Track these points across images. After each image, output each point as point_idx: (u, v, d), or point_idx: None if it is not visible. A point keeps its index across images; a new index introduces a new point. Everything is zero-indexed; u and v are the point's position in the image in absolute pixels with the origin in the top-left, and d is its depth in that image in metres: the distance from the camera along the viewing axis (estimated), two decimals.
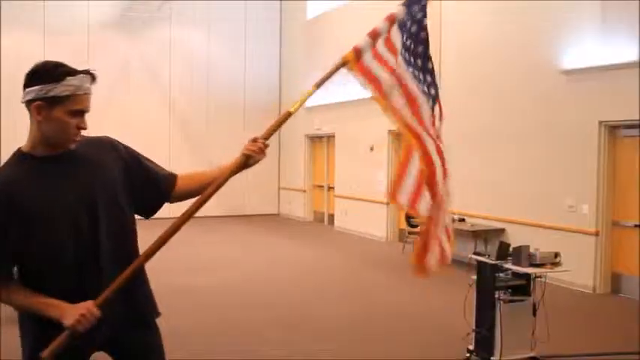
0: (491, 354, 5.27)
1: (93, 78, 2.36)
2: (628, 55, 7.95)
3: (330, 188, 15.84)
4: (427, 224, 2.73)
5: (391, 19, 2.93)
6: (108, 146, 2.56)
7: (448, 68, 11.21)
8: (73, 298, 2.33)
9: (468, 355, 5.51)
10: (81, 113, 2.35)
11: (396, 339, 6.42)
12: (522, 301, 5.32)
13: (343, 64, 2.84)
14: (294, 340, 6.36)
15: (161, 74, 16.78)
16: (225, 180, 2.58)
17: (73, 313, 2.30)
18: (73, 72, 2.31)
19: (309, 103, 15.61)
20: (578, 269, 7.75)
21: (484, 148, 10.39)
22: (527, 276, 5.32)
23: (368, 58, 2.84)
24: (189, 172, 2.76)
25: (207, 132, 17.22)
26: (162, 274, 9.12)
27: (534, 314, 5.34)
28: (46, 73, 2.29)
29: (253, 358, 5.76)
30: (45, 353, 2.31)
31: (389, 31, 2.91)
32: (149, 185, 2.62)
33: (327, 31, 15.60)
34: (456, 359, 5.57)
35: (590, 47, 8.47)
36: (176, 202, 2.72)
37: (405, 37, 2.90)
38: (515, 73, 9.74)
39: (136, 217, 2.61)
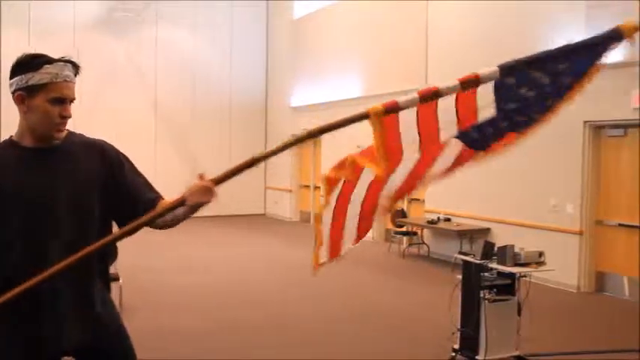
0: (477, 353, 5.29)
1: (74, 66, 2.38)
2: (612, 55, 7.98)
3: (317, 188, 15.83)
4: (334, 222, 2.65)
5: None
6: (98, 148, 2.54)
7: (434, 69, 11.26)
8: (19, 284, 2.25)
9: (453, 354, 5.53)
10: (62, 101, 2.35)
11: (382, 338, 6.44)
12: (507, 300, 5.35)
13: (364, 116, 2.36)
14: (281, 340, 6.35)
15: (147, 74, 16.69)
16: (160, 215, 2.36)
17: None
18: (51, 60, 2.34)
19: (295, 102, 15.65)
20: (562, 268, 7.79)
21: None
22: (512, 275, 5.35)
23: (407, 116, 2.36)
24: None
25: (193, 132, 17.15)
26: (148, 274, 9.12)
27: (519, 313, 5.37)
28: (25, 64, 2.33)
29: (241, 359, 5.76)
30: None
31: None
32: (127, 199, 2.53)
33: (314, 32, 15.60)
34: (441, 358, 5.59)
35: None
36: (155, 228, 2.53)
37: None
38: None
39: None
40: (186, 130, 17.16)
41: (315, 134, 2.40)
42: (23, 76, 2.31)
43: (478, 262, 5.34)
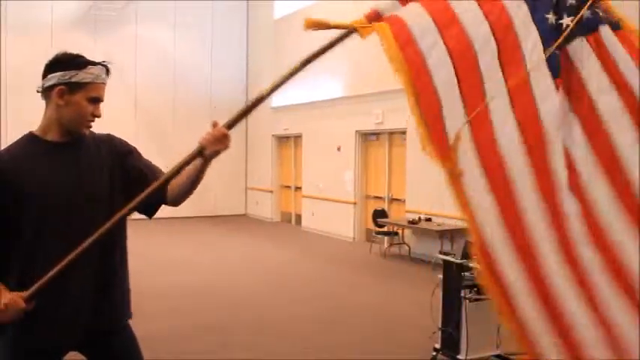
0: (458, 352, 5.31)
1: (108, 71, 2.53)
2: None
3: (298, 188, 15.83)
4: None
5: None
6: (107, 142, 2.65)
7: None
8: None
9: (434, 353, 5.55)
10: (97, 101, 2.50)
11: (363, 338, 6.44)
12: (488, 299, 5.37)
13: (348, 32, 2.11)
14: (261, 341, 6.33)
15: (127, 73, 16.55)
16: (178, 170, 2.37)
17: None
18: (94, 62, 2.48)
19: (275, 103, 15.63)
20: None
21: None
22: None
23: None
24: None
25: (174, 131, 17.06)
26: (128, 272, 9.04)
27: None
28: (68, 61, 2.45)
29: (218, 359, 5.73)
30: None
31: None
32: (141, 182, 2.54)
33: (295, 31, 15.55)
34: (422, 358, 5.60)
35: None
36: (172, 204, 2.61)
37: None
38: None
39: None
40: (167, 129, 17.07)
41: (309, 61, 2.49)
42: (66, 72, 2.41)
43: (459, 261, 5.36)
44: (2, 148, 2.54)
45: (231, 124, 2.36)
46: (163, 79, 17.03)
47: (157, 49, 16.93)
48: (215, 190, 16.88)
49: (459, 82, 1.76)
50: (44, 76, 2.46)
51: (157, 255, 11.07)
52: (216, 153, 2.33)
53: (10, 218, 2.39)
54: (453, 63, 1.77)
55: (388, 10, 2.06)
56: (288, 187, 16.48)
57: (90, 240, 2.31)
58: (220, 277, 9.52)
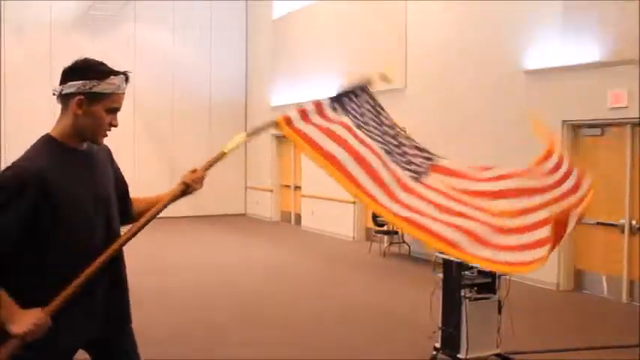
0: (458, 351, 5.30)
1: (127, 79, 2.50)
2: (589, 55, 8.09)
3: (297, 188, 15.82)
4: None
5: (319, 105, 2.90)
6: (108, 152, 2.72)
7: (412, 68, 11.29)
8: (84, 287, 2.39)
9: (434, 352, 5.54)
10: (115, 111, 2.49)
11: (363, 338, 6.44)
12: (488, 298, 5.37)
13: (275, 124, 2.79)
14: (260, 340, 6.33)
15: None
16: (164, 206, 2.62)
17: (23, 321, 2.28)
18: (116, 72, 2.44)
19: (275, 102, 15.62)
20: (542, 267, 7.85)
21: (447, 148, 10.43)
22: (492, 274, 5.37)
23: (301, 124, 2.80)
24: (136, 197, 2.85)
25: (173, 132, 17.07)
26: (128, 275, 9.02)
27: (500, 312, 5.39)
28: (90, 70, 2.40)
29: (218, 358, 5.73)
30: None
31: (322, 110, 2.89)
32: (122, 201, 2.74)
33: (293, 31, 15.58)
34: (422, 357, 5.60)
35: (551, 48, 8.59)
36: (126, 223, 2.73)
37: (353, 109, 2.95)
38: (479, 73, 9.83)
39: None
40: (166, 130, 17.06)
41: (250, 135, 2.80)
42: (87, 81, 2.37)
43: (459, 260, 5.35)
44: (1, 148, 2.53)
45: (207, 168, 2.66)
46: (162, 79, 17.00)
47: (156, 49, 16.91)
48: (215, 190, 16.86)
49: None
50: (63, 81, 2.40)
51: (156, 255, 11.06)
52: (194, 191, 2.65)
53: (40, 231, 2.34)
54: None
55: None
56: (288, 186, 16.47)
57: (107, 254, 2.43)
58: (220, 277, 9.51)
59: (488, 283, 5.38)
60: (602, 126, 8.25)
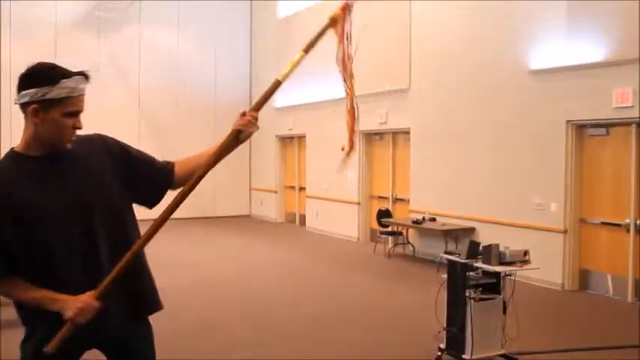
0: (463, 352, 5.30)
1: (87, 78, 2.38)
2: (593, 55, 8.07)
3: (302, 189, 15.82)
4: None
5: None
6: (100, 143, 2.56)
7: (417, 68, 11.28)
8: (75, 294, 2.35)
9: (439, 353, 5.54)
10: (76, 114, 2.37)
11: (368, 338, 6.43)
12: (493, 299, 5.37)
13: (332, 23, 2.85)
14: (265, 341, 6.33)
15: (130, 74, 16.59)
16: (219, 157, 2.53)
17: (73, 306, 2.30)
18: (68, 74, 2.32)
19: (279, 103, 15.63)
20: (547, 267, 7.85)
21: (454, 148, 10.46)
22: (497, 274, 5.37)
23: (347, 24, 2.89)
24: (186, 157, 2.74)
25: (178, 131, 17.07)
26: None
27: (504, 312, 5.39)
28: (40, 76, 2.29)
29: (221, 358, 5.73)
30: (49, 347, 2.30)
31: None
32: (145, 178, 2.62)
33: (299, 30, 15.56)
34: (427, 358, 5.59)
35: (556, 48, 8.58)
36: (179, 187, 2.61)
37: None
38: (483, 73, 9.82)
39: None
40: (171, 129, 17.07)
41: (307, 50, 2.77)
42: (39, 89, 2.28)
43: (463, 261, 5.35)
44: (6, 151, 2.50)
45: (258, 107, 2.56)
46: (167, 79, 17.02)
47: (161, 49, 16.93)
48: (219, 191, 16.90)
49: None
50: (18, 90, 2.32)
51: (160, 256, 11.04)
52: (249, 135, 2.56)
53: (13, 253, 2.33)
54: None
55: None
56: (292, 187, 16.48)
57: (137, 246, 2.42)
58: (224, 279, 9.52)
59: (493, 283, 5.38)
60: (607, 126, 8.22)
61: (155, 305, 2.68)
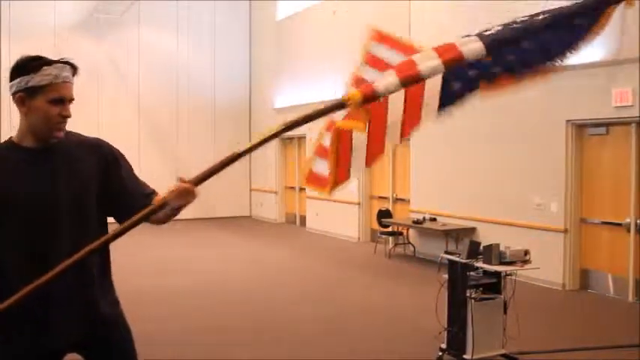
0: (464, 352, 5.30)
1: (72, 67, 2.43)
2: (594, 55, 8.06)
3: (302, 189, 15.82)
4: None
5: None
6: (95, 147, 2.59)
7: None
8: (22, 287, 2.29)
9: (440, 353, 5.54)
10: (62, 101, 2.40)
11: (369, 338, 6.43)
12: (493, 299, 5.37)
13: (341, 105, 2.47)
14: (265, 342, 6.33)
15: (130, 76, 16.60)
16: (134, 224, 2.35)
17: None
18: (50, 62, 2.38)
19: (279, 104, 15.62)
20: (547, 266, 7.84)
21: (454, 149, 10.46)
22: (497, 274, 5.37)
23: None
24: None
25: (177, 133, 17.09)
26: (132, 276, 9.04)
27: (505, 312, 5.39)
28: (24, 66, 2.37)
29: (223, 359, 5.74)
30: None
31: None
32: (123, 196, 2.58)
33: (298, 32, 15.58)
34: (428, 358, 5.59)
35: None
36: (152, 223, 2.53)
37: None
38: None
39: None
40: (170, 131, 17.08)
41: (291, 126, 2.37)
42: (23, 78, 2.35)
43: (464, 261, 5.35)
44: None
45: (199, 180, 2.35)
46: (166, 81, 17.02)
47: (160, 51, 16.94)
48: (219, 192, 16.88)
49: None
50: (9, 83, 2.41)
51: (160, 257, 11.07)
52: (180, 207, 2.39)
53: None
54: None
55: (387, 91, 2.42)
56: (292, 188, 16.47)
57: (73, 259, 2.28)
58: (225, 279, 9.51)
59: (493, 283, 5.38)
60: (607, 125, 8.22)
61: (115, 308, 2.69)
